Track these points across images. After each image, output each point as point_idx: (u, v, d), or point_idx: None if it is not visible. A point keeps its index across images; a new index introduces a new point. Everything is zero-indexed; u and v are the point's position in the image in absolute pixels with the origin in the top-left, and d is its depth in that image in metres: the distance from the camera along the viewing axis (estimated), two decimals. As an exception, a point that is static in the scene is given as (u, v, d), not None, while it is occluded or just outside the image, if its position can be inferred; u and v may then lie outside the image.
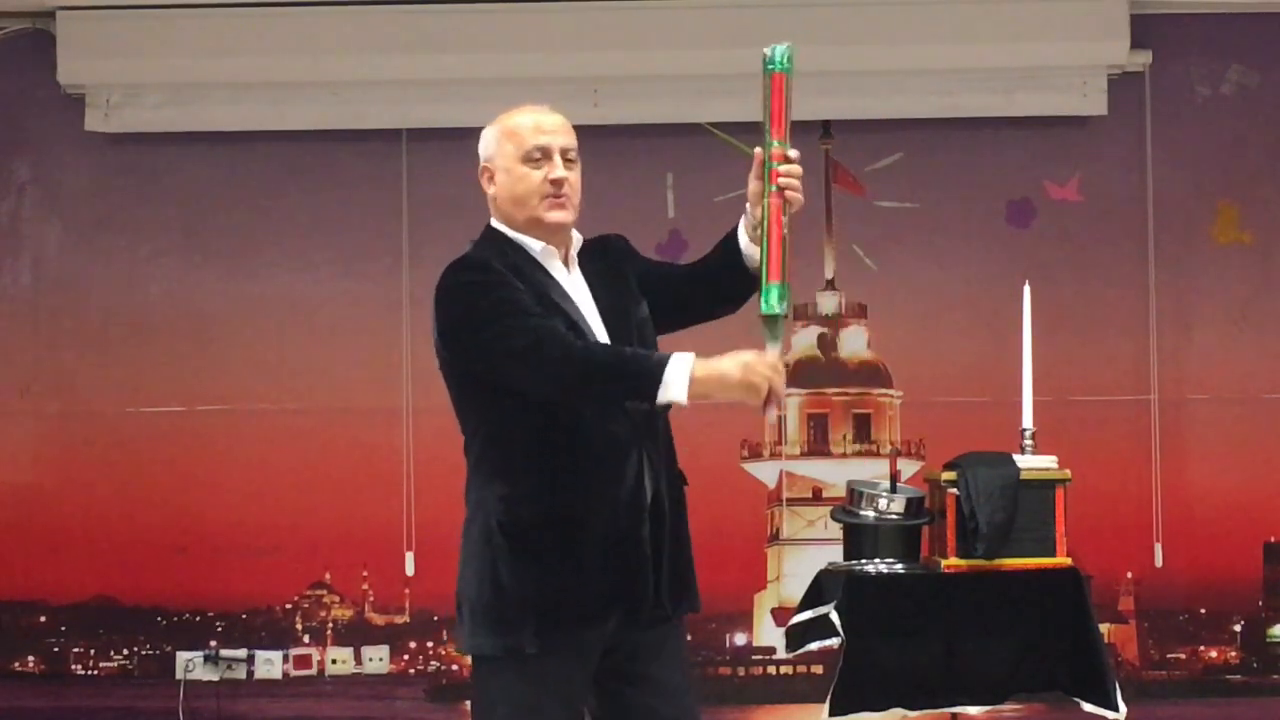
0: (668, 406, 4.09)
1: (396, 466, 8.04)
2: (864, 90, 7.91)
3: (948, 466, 5.86)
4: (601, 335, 4.22)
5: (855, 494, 5.86)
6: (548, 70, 7.86)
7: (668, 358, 4.05)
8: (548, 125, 4.28)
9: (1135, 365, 8.05)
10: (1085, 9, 7.82)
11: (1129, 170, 8.07)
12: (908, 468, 7.72)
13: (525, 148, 4.26)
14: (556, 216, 4.25)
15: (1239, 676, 8.06)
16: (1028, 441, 5.85)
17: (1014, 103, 7.93)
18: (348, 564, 8.14)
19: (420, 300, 8.10)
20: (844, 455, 8.13)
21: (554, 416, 4.16)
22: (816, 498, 8.05)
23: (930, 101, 7.92)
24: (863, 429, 8.15)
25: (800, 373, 8.14)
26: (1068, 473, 5.82)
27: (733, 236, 4.35)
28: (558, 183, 4.24)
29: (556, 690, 4.19)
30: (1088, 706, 5.65)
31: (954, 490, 5.73)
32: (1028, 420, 5.88)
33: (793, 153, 4.17)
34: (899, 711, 5.66)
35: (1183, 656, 8.07)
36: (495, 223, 4.37)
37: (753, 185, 4.23)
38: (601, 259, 4.34)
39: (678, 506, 4.28)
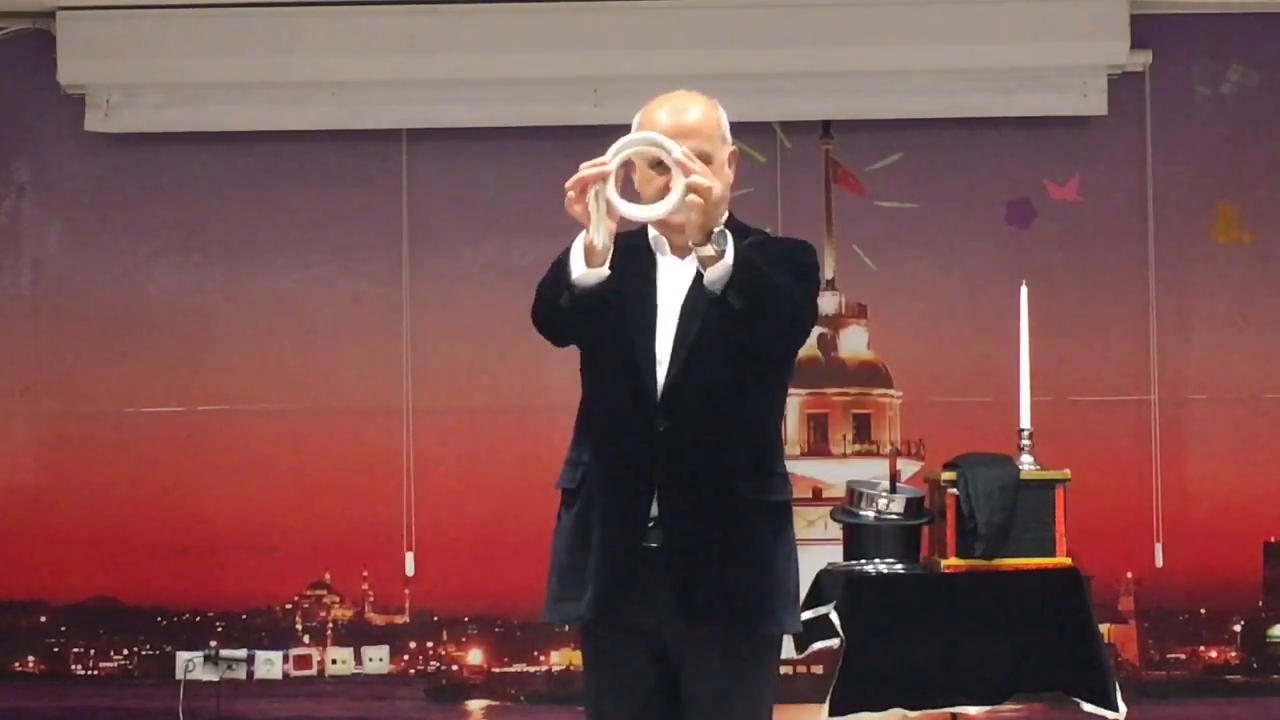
0: (600, 284, 4.04)
1: (396, 466, 8.04)
2: (864, 90, 7.90)
3: (948, 467, 5.87)
4: (660, 323, 4.21)
5: (855, 494, 5.87)
6: (548, 70, 7.86)
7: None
8: (672, 128, 4.17)
9: (1135, 365, 8.04)
10: (1085, 9, 7.81)
11: (1129, 170, 8.06)
12: (908, 468, 7.71)
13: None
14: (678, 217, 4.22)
15: (1239, 676, 8.05)
16: (1025, 441, 5.86)
17: (1014, 103, 7.93)
18: (348, 564, 8.13)
19: (420, 300, 8.11)
20: (844, 455, 8.13)
21: (589, 389, 4.26)
22: (816, 498, 8.05)
23: (930, 101, 7.92)
24: (863, 429, 8.15)
25: (800, 373, 8.13)
26: (1067, 473, 5.82)
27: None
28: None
29: (592, 663, 4.30)
30: (1088, 706, 5.65)
31: (954, 490, 5.74)
32: (1025, 420, 5.89)
33: None
34: (899, 711, 5.67)
35: (1183, 656, 8.07)
36: None
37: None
38: None
39: (713, 513, 4.16)
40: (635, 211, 4.05)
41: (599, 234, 4.00)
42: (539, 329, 4.21)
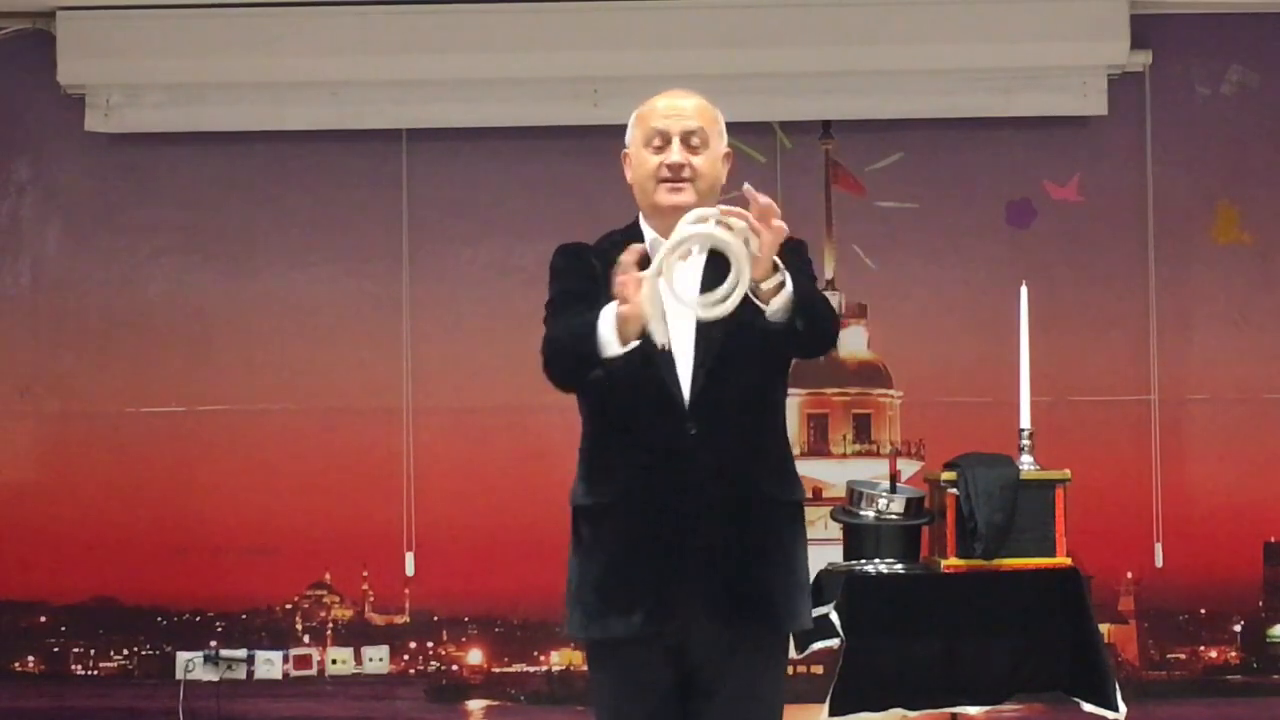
0: (630, 351, 4.03)
1: (396, 466, 8.04)
2: (864, 90, 7.90)
3: (947, 466, 5.86)
4: (682, 330, 4.18)
5: (855, 494, 5.86)
6: (548, 70, 7.86)
7: (598, 315, 4.04)
8: (672, 109, 4.24)
9: (1135, 365, 8.05)
10: (1085, 9, 7.82)
11: (1129, 170, 8.07)
12: (908, 468, 7.71)
13: (647, 131, 4.25)
14: (670, 200, 4.21)
15: (1239, 676, 8.05)
16: (1025, 441, 5.86)
17: (1014, 103, 7.93)
18: (348, 564, 8.13)
19: (420, 300, 8.12)
20: (844, 455, 8.13)
21: (605, 404, 4.22)
22: (816, 498, 8.04)
23: (930, 101, 7.92)
24: (863, 429, 8.15)
25: (800, 373, 8.14)
26: (1067, 473, 5.82)
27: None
28: (674, 167, 4.20)
29: (607, 667, 4.27)
30: (1088, 706, 5.65)
31: (954, 490, 5.73)
32: (1025, 420, 5.89)
33: None
34: (899, 711, 5.67)
35: (1183, 656, 8.07)
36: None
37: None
38: None
39: (748, 514, 4.20)
40: (705, 311, 3.95)
41: (659, 331, 3.99)
42: (555, 385, 4.23)
